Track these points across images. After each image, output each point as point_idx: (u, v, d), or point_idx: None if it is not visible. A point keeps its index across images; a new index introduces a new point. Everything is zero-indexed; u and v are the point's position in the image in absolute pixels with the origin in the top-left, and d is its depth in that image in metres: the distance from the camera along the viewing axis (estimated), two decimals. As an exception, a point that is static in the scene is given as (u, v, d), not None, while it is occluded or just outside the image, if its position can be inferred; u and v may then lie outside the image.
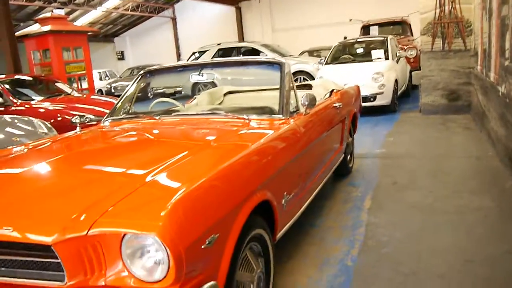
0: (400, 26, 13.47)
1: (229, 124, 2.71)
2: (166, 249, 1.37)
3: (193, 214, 1.53)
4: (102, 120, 3.27)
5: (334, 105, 3.77)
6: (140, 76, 3.56)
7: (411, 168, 4.68)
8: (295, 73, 10.74)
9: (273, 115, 2.81)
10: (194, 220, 1.52)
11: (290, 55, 13.03)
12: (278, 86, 3.02)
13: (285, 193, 2.41)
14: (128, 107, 3.43)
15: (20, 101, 7.05)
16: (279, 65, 3.11)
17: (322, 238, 3.12)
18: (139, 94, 3.55)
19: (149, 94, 4.04)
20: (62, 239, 1.38)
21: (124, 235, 1.41)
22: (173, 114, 3.06)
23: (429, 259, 2.72)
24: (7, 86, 7.28)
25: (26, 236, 1.41)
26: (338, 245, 3.00)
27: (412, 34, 13.09)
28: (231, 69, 3.78)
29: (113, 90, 16.72)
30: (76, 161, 2.25)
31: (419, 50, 11.92)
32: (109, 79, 19.15)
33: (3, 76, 7.88)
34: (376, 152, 5.44)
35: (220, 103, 4.45)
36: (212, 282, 1.56)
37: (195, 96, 4.69)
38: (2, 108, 6.89)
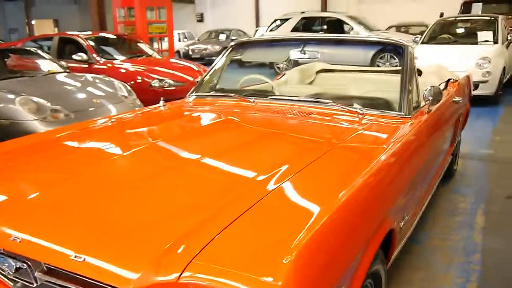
0: (508, 5, 11.95)
1: (339, 118, 2.25)
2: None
3: (323, 260, 1.13)
4: (188, 94, 2.93)
5: (454, 99, 3.15)
6: (230, 48, 3.16)
7: (529, 179, 3.96)
8: (382, 50, 9.87)
9: (390, 111, 2.30)
10: (322, 271, 1.12)
11: (378, 30, 12.06)
12: (385, 69, 2.48)
13: (405, 214, 1.94)
14: (216, 82, 3.05)
15: (103, 59, 7.02)
16: (400, 48, 2.56)
17: (428, 261, 2.62)
18: (228, 68, 3.16)
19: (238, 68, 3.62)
20: (145, 285, 1.03)
21: (225, 284, 1.03)
22: (268, 97, 2.63)
23: None
24: (92, 43, 7.27)
25: (99, 273, 1.07)
26: (449, 274, 2.49)
27: (522, 15, 11.56)
28: (331, 48, 3.26)
29: (190, 53, 16.66)
30: (166, 153, 1.91)
31: (530, 34, 10.57)
32: (187, 40, 19.14)
33: (89, 32, 7.89)
34: (482, 153, 4.72)
35: (311, 82, 3.97)
36: None
37: (283, 72, 4.24)
38: (86, 65, 6.90)
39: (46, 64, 5.88)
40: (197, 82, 3.10)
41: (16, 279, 1.32)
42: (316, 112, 2.33)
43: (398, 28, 15.30)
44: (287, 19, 12.51)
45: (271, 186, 1.42)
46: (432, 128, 2.44)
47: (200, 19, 23.21)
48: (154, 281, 1.03)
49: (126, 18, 9.69)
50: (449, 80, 3.48)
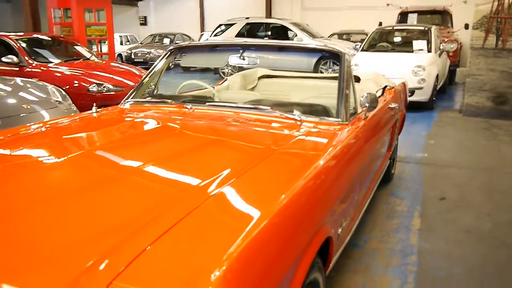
0: (441, 16, 12.69)
1: (277, 124, 2.23)
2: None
3: (256, 272, 1.09)
4: (123, 100, 2.80)
5: (390, 106, 3.25)
6: (169, 52, 3.07)
7: (460, 180, 4.16)
8: (324, 57, 10.10)
9: (329, 118, 2.31)
10: (255, 283, 1.07)
11: (321, 37, 12.36)
12: (324, 75, 2.51)
13: (343, 220, 1.95)
14: (154, 87, 2.95)
15: (36, 62, 6.64)
16: (338, 56, 2.59)
17: (368, 265, 2.66)
18: (166, 73, 3.06)
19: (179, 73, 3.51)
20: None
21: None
22: (206, 103, 2.56)
23: (501, 310, 2.26)
24: (23, 45, 6.87)
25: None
26: (387, 276, 2.54)
27: (452, 26, 12.31)
28: (276, 54, 3.25)
29: (133, 56, 16.23)
30: (98, 163, 1.79)
31: (460, 44, 11.27)
32: (130, 44, 18.64)
33: (21, 34, 7.44)
34: (417, 157, 4.91)
35: (253, 88, 3.95)
36: None
37: (225, 77, 4.18)
38: (17, 69, 6.51)
39: (-30, 67, 5.46)
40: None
41: None
42: (254, 119, 2.30)
43: (340, 35, 15.78)
44: (231, 24, 12.53)
45: (205, 195, 1.36)
46: (369, 134, 2.48)
47: (144, 22, 22.70)
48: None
49: (62, 19, 9.24)
50: (385, 87, 3.59)
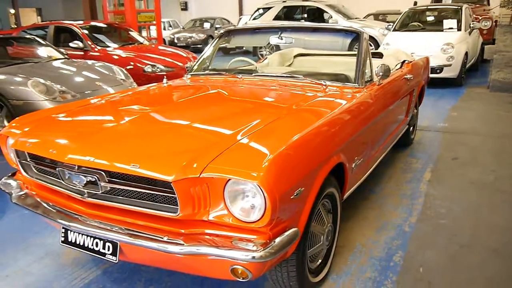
0: (477, -6, 12.73)
1: (308, 88, 2.89)
2: (264, 195, 1.62)
3: (286, 169, 1.77)
4: (186, 74, 3.53)
5: (405, 77, 3.82)
6: (220, 35, 3.77)
7: (474, 145, 4.68)
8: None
9: (348, 83, 2.95)
10: (286, 174, 1.76)
11: (356, 18, 12.72)
12: (349, 52, 3.11)
13: (356, 157, 2.60)
14: (209, 64, 3.66)
15: (98, 47, 7.51)
16: (357, 34, 3.21)
17: (381, 204, 3.30)
18: (218, 53, 3.77)
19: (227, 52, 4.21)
20: (180, 178, 1.66)
21: (229, 180, 1.67)
22: (253, 74, 3.26)
23: (484, 234, 2.85)
24: (86, 31, 7.75)
25: (151, 173, 1.71)
26: (397, 212, 3.18)
27: (488, 4, 12.35)
28: (306, 34, 3.88)
29: (175, 41, 17.10)
30: (176, 113, 2.54)
31: (495, 22, 11.37)
32: (172, 29, 19.54)
33: (81, 22, 8.35)
34: (438, 126, 5.43)
35: (290, 65, 4.59)
36: (295, 229, 1.81)
37: (266, 55, 4.85)
38: (82, 53, 7.40)
39: (47, 51, 6.37)
40: (189, 66, 3.69)
41: (83, 191, 1.94)
42: (290, 85, 2.97)
43: (376, 16, 15.94)
44: (269, 8, 13.07)
45: (244, 132, 2.02)
46: (381, 97, 3.09)
47: (184, 7, 23.58)
48: (185, 177, 1.67)
49: (115, 7, 10.14)
50: (404, 61, 4.16)
